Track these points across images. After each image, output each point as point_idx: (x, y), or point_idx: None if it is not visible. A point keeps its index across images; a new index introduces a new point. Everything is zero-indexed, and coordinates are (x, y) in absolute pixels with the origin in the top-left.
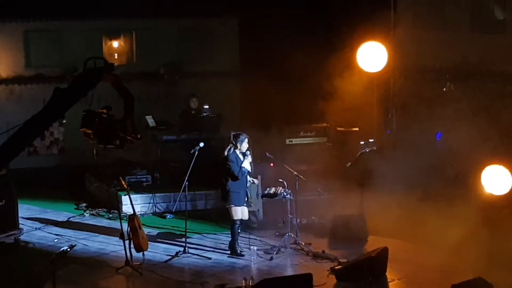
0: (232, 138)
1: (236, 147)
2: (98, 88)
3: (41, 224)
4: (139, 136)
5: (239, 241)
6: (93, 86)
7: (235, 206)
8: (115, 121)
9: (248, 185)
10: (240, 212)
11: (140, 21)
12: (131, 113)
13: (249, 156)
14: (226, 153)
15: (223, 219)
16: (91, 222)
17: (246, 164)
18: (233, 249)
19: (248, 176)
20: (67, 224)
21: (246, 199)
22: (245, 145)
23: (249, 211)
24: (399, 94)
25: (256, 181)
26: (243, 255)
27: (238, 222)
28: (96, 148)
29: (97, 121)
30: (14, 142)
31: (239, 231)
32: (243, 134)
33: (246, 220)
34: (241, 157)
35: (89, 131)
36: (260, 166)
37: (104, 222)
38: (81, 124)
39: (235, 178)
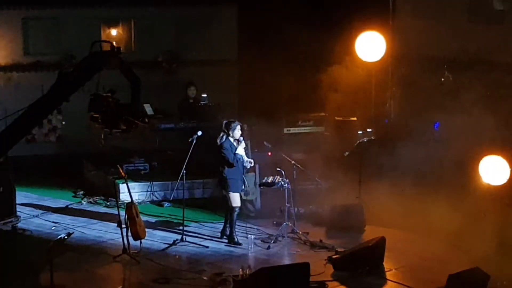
0: (224, 126)
1: (228, 135)
2: (109, 77)
3: (38, 211)
4: (146, 120)
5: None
6: (99, 70)
7: (233, 192)
8: (122, 105)
9: (244, 171)
10: (239, 199)
11: (138, 9)
12: (138, 96)
13: (243, 142)
14: (219, 141)
15: (220, 208)
16: (88, 210)
17: (240, 151)
18: (230, 238)
19: (244, 161)
20: (64, 212)
21: (243, 186)
22: (237, 132)
23: (247, 200)
24: (397, 84)
25: (252, 161)
26: (240, 244)
27: (237, 209)
28: (103, 133)
29: (105, 105)
30: (17, 127)
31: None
32: (235, 122)
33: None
34: (235, 144)
35: (97, 115)
36: (258, 155)
37: (101, 210)
38: (88, 108)
39: (230, 165)
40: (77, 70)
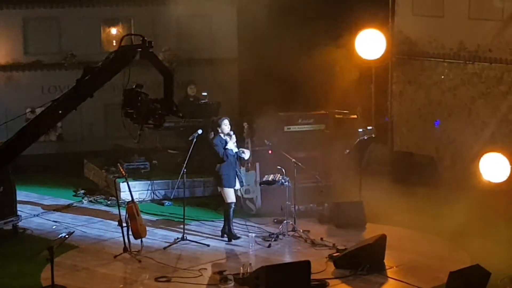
0: (212, 124)
1: (217, 132)
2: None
3: (39, 210)
4: (181, 114)
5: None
6: (128, 63)
7: (226, 188)
8: (155, 100)
9: (238, 165)
10: (233, 194)
11: (138, 8)
12: (171, 90)
13: (234, 137)
14: (210, 139)
15: (221, 206)
16: (89, 208)
17: (231, 145)
18: (229, 234)
19: (236, 155)
20: (65, 211)
21: (237, 181)
22: (225, 127)
23: (247, 198)
24: (397, 81)
25: (246, 151)
26: (239, 237)
27: (232, 205)
28: (140, 131)
29: (139, 100)
30: (40, 123)
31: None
32: (222, 118)
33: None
34: (228, 139)
35: (131, 111)
36: (258, 153)
37: (102, 209)
38: (123, 104)
39: (221, 160)
40: (107, 64)
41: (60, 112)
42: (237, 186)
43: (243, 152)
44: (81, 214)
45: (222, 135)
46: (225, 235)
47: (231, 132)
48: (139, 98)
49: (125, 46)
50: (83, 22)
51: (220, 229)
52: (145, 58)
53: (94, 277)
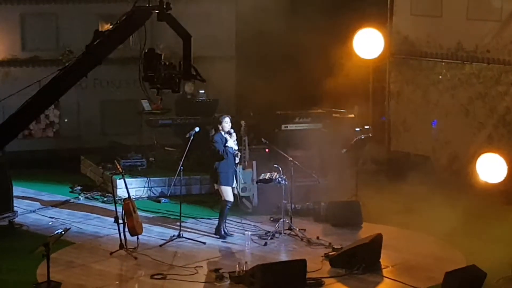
0: (213, 121)
1: (218, 129)
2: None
3: (35, 206)
4: (199, 77)
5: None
6: (140, 26)
7: (224, 186)
8: (172, 65)
9: (235, 164)
10: (231, 193)
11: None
12: (189, 53)
13: (234, 135)
14: (210, 136)
15: (218, 204)
16: (85, 205)
17: (231, 143)
18: (217, 230)
19: (234, 153)
20: (61, 207)
21: (235, 180)
22: (226, 125)
23: (244, 196)
24: (395, 81)
25: (237, 153)
26: (232, 235)
27: (229, 204)
28: (160, 98)
29: (159, 63)
30: (53, 87)
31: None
32: (224, 115)
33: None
34: (228, 137)
35: (152, 74)
36: (255, 152)
37: (98, 206)
38: (144, 67)
39: (221, 158)
40: (118, 26)
41: (69, 79)
42: (235, 184)
43: (237, 154)
44: (77, 211)
45: (222, 132)
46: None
47: (232, 130)
48: (161, 61)
49: (139, 7)
50: (80, 19)
51: (216, 227)
52: (162, 20)
53: (90, 274)
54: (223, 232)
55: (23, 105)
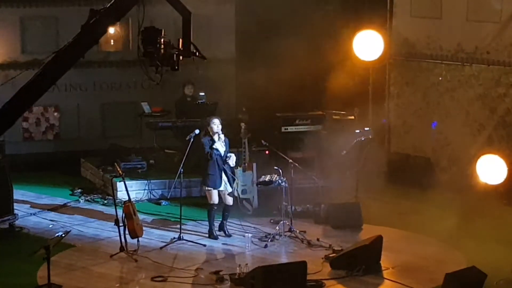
0: (203, 123)
1: (206, 131)
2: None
3: (36, 209)
4: (199, 54)
5: (214, 226)
6: (137, 2)
7: (209, 188)
8: (171, 43)
9: (223, 167)
10: (216, 196)
11: (136, 8)
12: (190, 31)
13: (221, 137)
14: (201, 139)
15: (218, 206)
16: (86, 208)
17: (217, 145)
18: (211, 233)
19: (223, 157)
20: (62, 210)
21: (223, 183)
22: (213, 126)
23: (244, 199)
24: (395, 82)
25: (233, 157)
26: (230, 236)
27: (214, 207)
28: (157, 73)
29: (158, 40)
30: (47, 72)
31: (214, 215)
32: (212, 117)
33: (230, 205)
34: (215, 138)
35: (151, 50)
36: (255, 154)
37: (99, 208)
38: (143, 42)
39: (207, 159)
40: (113, 3)
41: (65, 61)
42: (222, 187)
43: (229, 157)
44: (77, 213)
45: (212, 135)
46: (222, 235)
47: (220, 132)
48: (160, 37)
49: None
50: (80, 22)
51: (216, 229)
52: None
53: (91, 276)
54: (215, 234)
55: (19, 90)
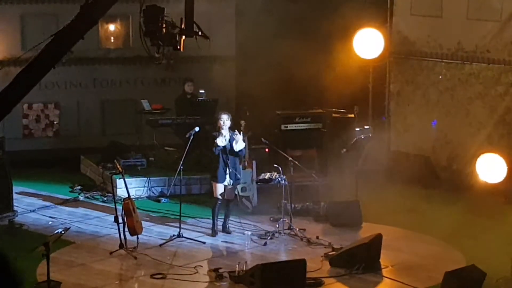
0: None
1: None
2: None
3: (35, 206)
4: (201, 33)
5: (216, 222)
6: None
7: (213, 182)
8: (173, 23)
9: (228, 162)
10: (221, 190)
11: (136, 5)
12: (192, 9)
13: (227, 132)
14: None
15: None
16: (85, 205)
17: (219, 141)
18: (212, 229)
19: (228, 150)
20: (61, 207)
21: (227, 178)
22: (220, 122)
23: (243, 197)
24: (395, 81)
25: (239, 139)
26: (230, 233)
27: (219, 201)
28: (158, 54)
29: (160, 20)
30: (42, 60)
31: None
32: (220, 112)
33: (231, 199)
34: (223, 133)
35: (154, 29)
36: (255, 151)
37: (98, 205)
38: (145, 20)
39: (214, 154)
40: None
41: (65, 42)
42: (226, 182)
43: (235, 138)
44: (77, 210)
45: (222, 130)
46: (224, 230)
47: (224, 127)
48: (162, 16)
49: None
50: None
51: (221, 228)
52: None
53: (90, 273)
54: (216, 230)
55: (18, 74)
